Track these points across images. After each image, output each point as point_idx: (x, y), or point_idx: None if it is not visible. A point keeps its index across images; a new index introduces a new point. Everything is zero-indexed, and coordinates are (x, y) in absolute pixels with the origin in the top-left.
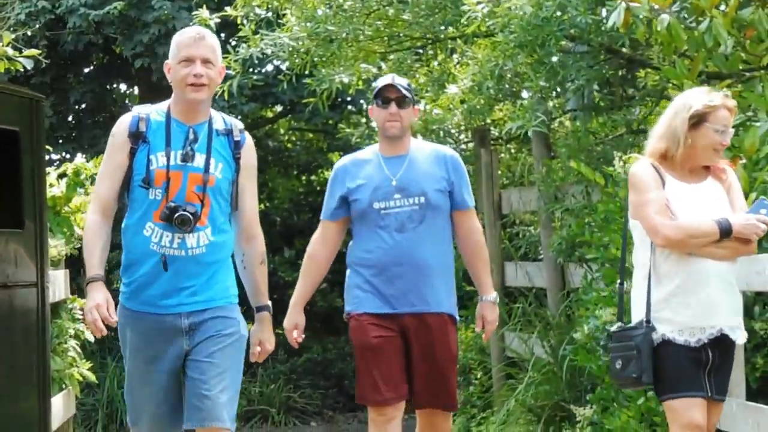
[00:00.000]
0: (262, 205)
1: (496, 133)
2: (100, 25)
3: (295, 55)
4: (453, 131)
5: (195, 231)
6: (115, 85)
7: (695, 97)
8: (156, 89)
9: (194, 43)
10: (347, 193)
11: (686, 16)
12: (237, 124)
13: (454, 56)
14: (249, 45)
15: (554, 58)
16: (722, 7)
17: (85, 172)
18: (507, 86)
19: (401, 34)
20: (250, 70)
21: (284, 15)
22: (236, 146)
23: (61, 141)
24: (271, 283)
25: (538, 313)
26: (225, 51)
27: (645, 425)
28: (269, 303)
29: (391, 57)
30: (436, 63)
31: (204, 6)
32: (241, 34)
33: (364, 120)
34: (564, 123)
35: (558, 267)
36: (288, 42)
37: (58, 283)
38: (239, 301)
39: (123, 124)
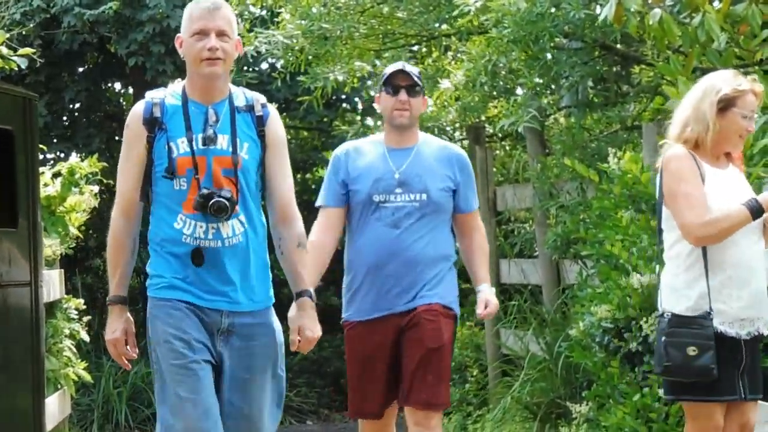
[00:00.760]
0: None
1: (491, 130)
2: (94, 24)
3: (289, 53)
4: (448, 128)
5: (229, 219)
6: (109, 84)
7: (724, 80)
8: (150, 88)
9: (208, 14)
10: (348, 181)
11: (680, 11)
12: (259, 97)
13: (449, 53)
14: (243, 43)
15: (548, 55)
16: (716, 4)
17: (80, 172)
18: (501, 83)
19: (396, 32)
20: (245, 68)
21: (279, 13)
22: (259, 122)
23: (55, 140)
24: None
25: (534, 310)
26: None
27: (641, 422)
28: (311, 288)
29: (386, 54)
30: (430, 60)
31: None
32: None
33: (359, 118)
34: (558, 119)
35: (553, 264)
36: (282, 40)
37: (53, 283)
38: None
39: (136, 113)
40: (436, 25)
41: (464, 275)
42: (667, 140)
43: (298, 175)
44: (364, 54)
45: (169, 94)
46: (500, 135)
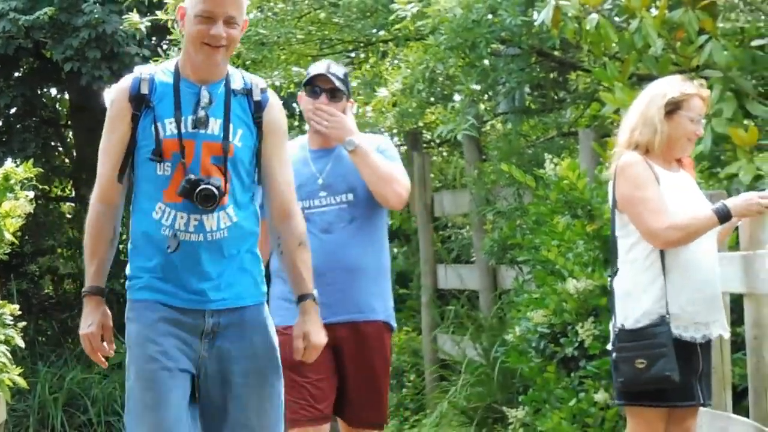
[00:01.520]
0: None
1: (429, 137)
2: (30, 29)
3: None
4: (385, 134)
5: (215, 211)
6: (45, 90)
7: (670, 85)
8: (86, 93)
9: None
10: None
11: (618, 14)
12: (259, 81)
13: (386, 59)
14: (180, 48)
15: (485, 61)
16: (653, 10)
17: (15, 177)
18: (438, 89)
19: (333, 38)
20: None
21: None
22: (257, 107)
23: None
24: None
25: (471, 315)
26: (156, 55)
27: (577, 426)
28: (314, 291)
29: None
30: (368, 66)
31: (134, 10)
32: (171, 38)
33: (297, 124)
34: (495, 126)
35: (490, 269)
36: None
37: None
38: None
39: (122, 88)
40: (374, 31)
41: (400, 280)
42: (616, 148)
43: None
44: (301, 59)
45: (160, 70)
46: (438, 141)
